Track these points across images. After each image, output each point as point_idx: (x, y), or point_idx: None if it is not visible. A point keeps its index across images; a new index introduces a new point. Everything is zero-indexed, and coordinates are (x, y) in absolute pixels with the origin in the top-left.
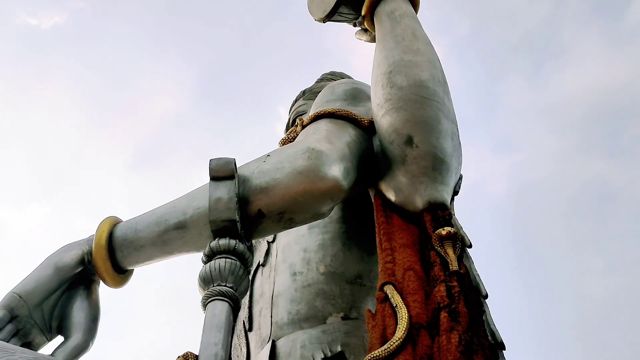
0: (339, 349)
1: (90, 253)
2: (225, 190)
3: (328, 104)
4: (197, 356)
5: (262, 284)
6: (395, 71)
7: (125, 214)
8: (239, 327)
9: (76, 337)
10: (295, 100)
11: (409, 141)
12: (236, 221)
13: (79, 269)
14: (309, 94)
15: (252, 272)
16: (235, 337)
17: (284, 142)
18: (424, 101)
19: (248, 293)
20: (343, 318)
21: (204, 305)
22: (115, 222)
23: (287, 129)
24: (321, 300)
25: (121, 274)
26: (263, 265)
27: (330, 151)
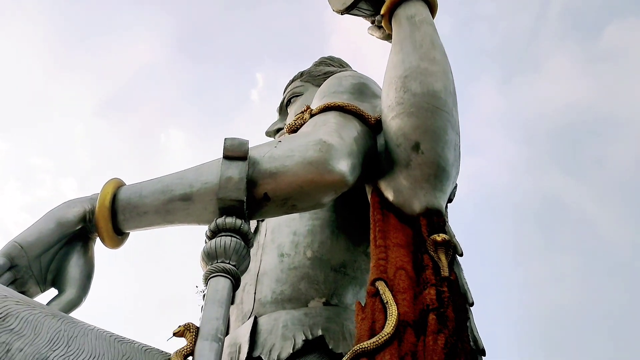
0: (319, 333)
1: (92, 212)
2: (237, 171)
3: (335, 96)
4: (198, 328)
5: None
6: (410, 77)
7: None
8: None
9: (70, 292)
10: (292, 81)
11: (416, 147)
12: (243, 202)
13: (80, 226)
14: (306, 76)
15: None
16: None
17: (291, 128)
18: (435, 110)
19: None
20: (324, 303)
21: (206, 280)
22: (119, 185)
23: (280, 109)
24: (305, 284)
25: (119, 235)
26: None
27: (340, 146)
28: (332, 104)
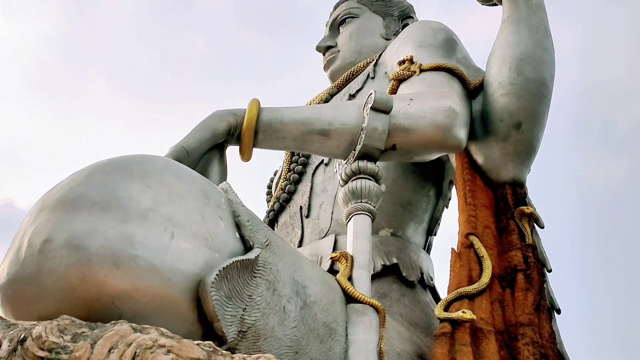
0: (394, 260)
1: (235, 126)
2: (381, 123)
3: (432, 49)
4: (352, 256)
5: (325, 181)
6: (525, 61)
7: None
8: (294, 209)
9: None
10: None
11: (518, 126)
12: (381, 150)
13: (224, 138)
14: None
15: (313, 168)
16: (287, 216)
17: (398, 77)
18: (541, 97)
19: (309, 184)
20: (392, 234)
21: (349, 215)
22: (259, 105)
23: (332, 25)
24: (377, 214)
25: None
26: (327, 165)
27: (462, 115)
28: (443, 65)
